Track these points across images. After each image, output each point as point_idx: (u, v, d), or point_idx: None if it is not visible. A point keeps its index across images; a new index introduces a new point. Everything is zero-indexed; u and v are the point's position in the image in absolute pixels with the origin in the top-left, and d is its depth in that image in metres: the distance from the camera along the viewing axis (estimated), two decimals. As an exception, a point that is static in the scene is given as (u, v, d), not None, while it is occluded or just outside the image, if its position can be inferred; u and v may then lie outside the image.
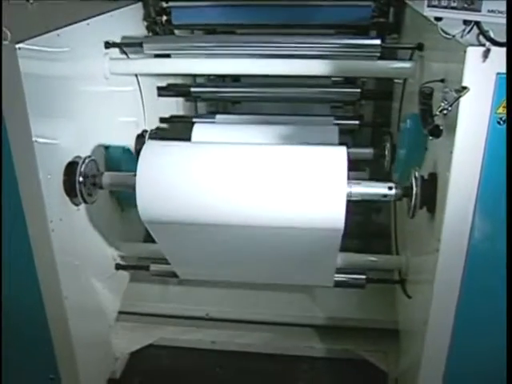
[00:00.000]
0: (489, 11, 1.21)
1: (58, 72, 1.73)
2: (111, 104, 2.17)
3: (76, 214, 1.85)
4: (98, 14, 2.01)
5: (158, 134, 2.54)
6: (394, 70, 2.17)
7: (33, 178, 1.57)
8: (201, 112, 3.11)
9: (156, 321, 2.43)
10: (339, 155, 1.58)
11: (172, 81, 2.77)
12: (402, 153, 1.90)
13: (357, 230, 2.82)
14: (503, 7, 1.19)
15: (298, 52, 2.13)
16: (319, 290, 2.41)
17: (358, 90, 2.60)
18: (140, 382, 2.27)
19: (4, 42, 1.43)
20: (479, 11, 1.22)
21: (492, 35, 1.25)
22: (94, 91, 2.04)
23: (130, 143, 2.36)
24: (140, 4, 2.48)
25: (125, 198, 2.19)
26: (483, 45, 1.26)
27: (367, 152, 2.41)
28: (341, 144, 1.68)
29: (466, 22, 1.28)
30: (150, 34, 2.55)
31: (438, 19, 1.34)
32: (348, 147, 1.61)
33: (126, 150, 2.17)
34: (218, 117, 2.55)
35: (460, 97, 1.29)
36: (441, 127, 1.39)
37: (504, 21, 1.19)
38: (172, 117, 2.81)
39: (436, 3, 1.30)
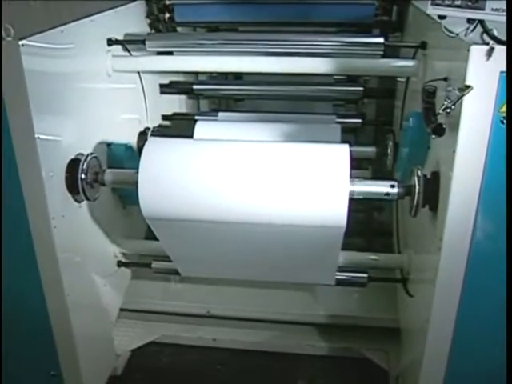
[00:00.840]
0: (493, 10, 1.21)
1: (61, 69, 1.73)
2: (113, 101, 2.17)
3: (78, 211, 1.85)
4: (102, 11, 2.01)
5: (161, 132, 2.54)
6: (396, 69, 2.16)
7: (35, 174, 1.58)
8: (203, 109, 3.11)
9: (157, 318, 2.43)
10: (342, 153, 1.58)
11: (174, 78, 2.77)
12: (405, 151, 1.90)
13: (359, 229, 2.82)
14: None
15: (300, 50, 2.13)
16: (321, 288, 2.42)
17: (361, 89, 2.60)
18: (141, 379, 2.28)
19: (7, 39, 1.43)
20: (483, 9, 1.22)
21: (496, 34, 1.24)
22: (97, 88, 2.04)
23: (133, 140, 2.36)
24: (143, 1, 2.48)
25: (127, 195, 2.19)
26: (487, 43, 1.25)
27: (370, 150, 2.41)
28: (343, 142, 1.68)
29: (469, 21, 1.28)
30: (153, 31, 2.54)
31: (442, 17, 1.34)
32: (350, 145, 1.61)
33: (128, 147, 2.17)
34: (221, 114, 2.55)
35: (463, 95, 1.29)
36: (444, 126, 1.39)
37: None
38: (174, 114, 2.81)
39: (440, 1, 1.29)
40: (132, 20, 2.38)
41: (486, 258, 1.48)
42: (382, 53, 2.10)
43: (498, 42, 1.24)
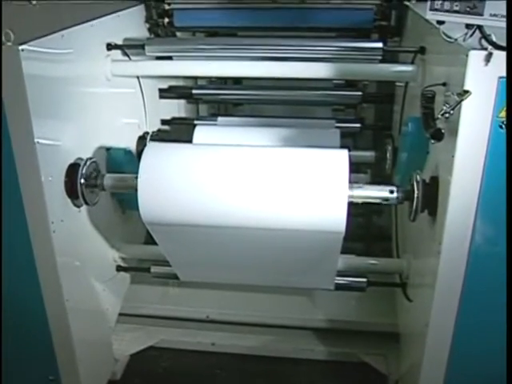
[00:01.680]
0: (491, 15, 1.21)
1: (61, 73, 1.73)
2: (113, 106, 2.17)
3: (77, 216, 1.85)
4: (101, 16, 2.02)
5: (160, 136, 2.55)
6: (395, 74, 2.17)
7: (34, 179, 1.57)
8: (202, 114, 3.11)
9: (156, 323, 2.43)
10: (341, 158, 1.58)
11: (174, 83, 2.77)
12: (404, 156, 1.90)
13: (358, 233, 2.82)
14: (505, 11, 1.19)
15: (299, 55, 2.13)
16: (320, 292, 2.42)
17: (360, 93, 2.60)
18: (140, 384, 2.28)
19: (7, 44, 1.43)
20: (481, 15, 1.23)
21: (494, 39, 1.25)
22: (96, 93, 2.04)
23: (132, 145, 2.36)
24: (142, 6, 2.49)
25: (126, 199, 2.19)
26: (485, 49, 1.26)
27: (369, 155, 2.41)
28: (342, 147, 1.68)
29: (468, 26, 1.28)
30: (152, 35, 2.55)
31: (441, 23, 1.34)
32: (349, 150, 1.62)
33: (127, 151, 2.17)
34: (220, 119, 2.55)
35: (462, 100, 1.29)
36: (443, 131, 1.40)
37: (506, 24, 1.19)
38: (173, 119, 2.81)
39: (438, 7, 1.30)
40: (131, 25, 2.38)
41: (484, 263, 1.48)
42: (380, 58, 2.11)
43: (497, 47, 1.24)
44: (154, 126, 2.63)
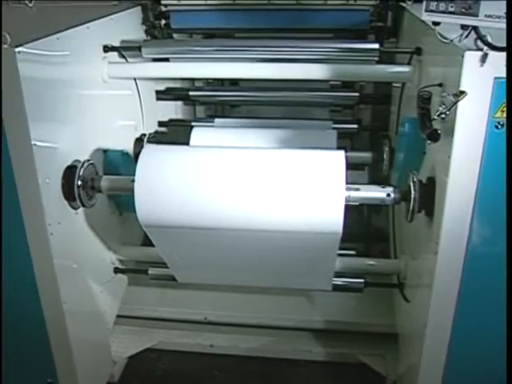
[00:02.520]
0: (486, 16, 1.22)
1: (57, 76, 1.73)
2: (110, 108, 2.17)
3: (74, 218, 1.85)
4: (98, 18, 2.02)
5: (157, 138, 2.54)
6: (392, 74, 2.17)
7: (31, 181, 1.57)
8: (199, 116, 3.11)
9: (154, 324, 2.43)
10: (338, 159, 1.58)
11: (170, 84, 2.77)
12: (401, 157, 1.91)
13: (355, 234, 2.82)
14: (500, 12, 1.19)
15: (296, 56, 2.14)
16: (318, 293, 2.42)
17: (357, 94, 2.60)
18: (138, 386, 2.28)
19: (4, 46, 1.43)
20: (477, 16, 1.23)
21: (489, 40, 1.25)
22: (93, 95, 2.04)
23: (129, 147, 2.36)
24: (139, 8, 2.49)
25: (123, 201, 2.19)
26: (481, 49, 1.26)
27: (365, 156, 2.42)
28: (339, 148, 1.68)
29: (463, 27, 1.29)
30: (149, 37, 2.55)
31: (436, 24, 1.35)
32: (346, 151, 1.62)
33: (124, 153, 2.17)
34: (217, 120, 2.55)
35: (458, 101, 1.29)
36: (439, 131, 1.40)
37: (502, 25, 1.20)
38: (170, 120, 2.81)
39: (434, 8, 1.30)
40: (128, 27, 2.38)
41: (482, 263, 1.49)
42: (377, 59, 2.11)
43: (492, 47, 1.25)
44: (151, 127, 2.64)
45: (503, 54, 1.24)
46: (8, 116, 1.49)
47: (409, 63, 2.07)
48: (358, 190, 1.64)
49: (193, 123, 2.58)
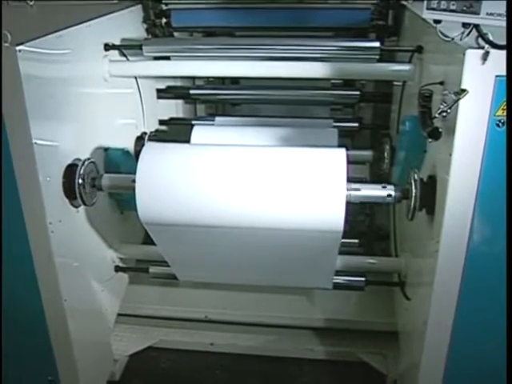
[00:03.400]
0: (487, 14, 1.21)
1: (58, 74, 1.73)
2: (111, 106, 2.17)
3: (75, 216, 1.85)
4: (98, 16, 2.02)
5: (157, 136, 2.54)
6: (393, 73, 2.17)
7: (32, 179, 1.58)
8: (200, 114, 3.11)
9: (155, 323, 2.43)
10: (339, 157, 1.58)
11: (171, 83, 2.78)
12: (401, 155, 1.90)
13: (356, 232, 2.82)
14: (502, 10, 1.19)
15: (297, 54, 2.13)
16: (318, 292, 2.42)
17: (358, 93, 2.60)
18: (139, 384, 2.28)
19: (4, 45, 1.43)
20: (478, 14, 1.23)
21: (491, 38, 1.25)
22: (94, 93, 2.04)
23: (130, 145, 2.36)
24: (140, 6, 2.49)
25: (124, 199, 2.19)
26: (482, 47, 1.26)
27: (366, 154, 2.41)
28: (340, 146, 1.68)
29: (464, 25, 1.28)
30: (150, 36, 2.55)
31: (437, 22, 1.34)
32: (347, 149, 1.62)
33: (125, 152, 2.17)
34: (218, 119, 2.55)
35: (459, 99, 1.29)
36: (440, 129, 1.40)
37: (503, 23, 1.20)
38: (171, 119, 2.81)
39: (435, 6, 1.30)
40: (129, 25, 2.38)
41: (482, 261, 1.49)
42: (378, 57, 2.11)
43: (493, 46, 1.25)
44: (151, 126, 2.64)
45: (504, 52, 1.24)
46: (9, 114, 1.50)
47: (410, 61, 2.06)
48: (358, 188, 1.64)
49: (193, 122, 2.57)
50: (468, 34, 1.29)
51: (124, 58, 2.23)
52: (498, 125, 1.32)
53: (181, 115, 2.99)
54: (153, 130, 2.62)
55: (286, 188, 1.56)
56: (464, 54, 1.27)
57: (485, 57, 1.26)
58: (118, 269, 2.25)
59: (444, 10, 1.28)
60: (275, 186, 1.56)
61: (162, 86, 2.73)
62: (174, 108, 2.93)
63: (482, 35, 1.26)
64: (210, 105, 3.15)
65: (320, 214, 1.54)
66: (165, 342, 2.38)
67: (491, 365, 1.61)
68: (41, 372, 1.89)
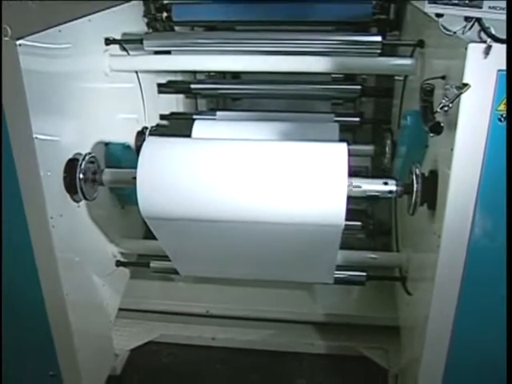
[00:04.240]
0: (490, 8, 1.21)
1: (59, 68, 1.72)
2: (111, 101, 2.17)
3: (76, 211, 1.85)
4: (99, 11, 2.01)
5: (158, 131, 2.54)
6: (394, 67, 2.16)
7: (33, 174, 1.57)
8: (201, 109, 3.10)
9: (156, 317, 2.44)
10: (340, 151, 1.58)
11: (172, 77, 2.77)
12: (403, 150, 1.90)
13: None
14: (504, 4, 1.19)
15: (298, 49, 2.13)
16: (319, 286, 2.42)
17: (359, 87, 2.60)
18: (140, 379, 2.28)
19: (4, 39, 1.42)
20: (480, 8, 1.22)
21: (493, 32, 1.25)
22: (95, 88, 2.04)
23: (131, 140, 2.36)
24: (140, 1, 2.48)
25: (125, 194, 2.19)
26: (484, 41, 1.25)
27: (368, 149, 2.41)
28: (341, 141, 1.68)
29: (467, 19, 1.28)
30: (151, 30, 2.54)
31: (439, 16, 1.34)
32: (348, 144, 1.61)
33: (126, 146, 2.17)
34: (219, 113, 2.55)
35: (461, 94, 1.29)
36: (442, 124, 1.39)
37: (505, 17, 1.19)
38: (172, 114, 2.80)
39: (437, -1, 1.30)
40: (129, 19, 2.37)
41: (484, 256, 1.49)
42: (379, 51, 2.10)
43: (496, 40, 1.24)
44: (152, 120, 2.63)
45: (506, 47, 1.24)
46: (9, 109, 1.49)
47: (411, 56, 2.06)
48: (360, 182, 1.63)
49: (194, 116, 2.57)
50: (470, 28, 1.28)
51: (125, 53, 2.23)
52: (499, 119, 1.31)
53: (182, 110, 2.98)
54: (154, 124, 2.61)
55: (287, 182, 1.55)
56: (466, 48, 1.26)
57: (487, 51, 1.25)
58: (119, 263, 2.26)
59: (446, 4, 1.28)
60: (276, 180, 1.56)
61: (163, 80, 2.73)
62: (174, 102, 2.93)
63: (484, 29, 1.25)
64: (211, 99, 3.14)
65: (321, 208, 1.54)
66: (166, 336, 2.38)
67: (492, 359, 1.61)
68: (42, 366, 1.90)
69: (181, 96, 2.97)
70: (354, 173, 1.60)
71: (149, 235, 1.90)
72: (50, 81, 1.65)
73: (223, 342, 2.35)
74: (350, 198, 1.55)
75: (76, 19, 1.82)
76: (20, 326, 1.82)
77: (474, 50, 1.26)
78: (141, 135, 2.41)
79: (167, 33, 2.55)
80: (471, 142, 1.35)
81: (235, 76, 2.94)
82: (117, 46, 2.19)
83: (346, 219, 1.54)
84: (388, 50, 2.18)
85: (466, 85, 1.28)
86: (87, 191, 1.78)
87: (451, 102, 1.32)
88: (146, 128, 2.46)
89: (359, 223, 2.31)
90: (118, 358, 2.28)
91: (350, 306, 2.38)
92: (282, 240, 1.71)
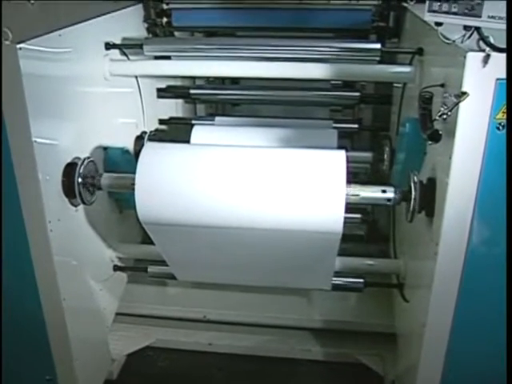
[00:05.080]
0: (489, 17, 1.22)
1: (59, 72, 1.73)
2: (111, 105, 2.17)
3: (74, 215, 1.85)
4: (100, 15, 2.02)
5: (157, 136, 2.54)
6: (393, 75, 2.17)
7: (32, 178, 1.57)
8: (200, 114, 3.11)
9: (153, 323, 2.43)
10: (339, 159, 1.58)
11: (172, 82, 2.77)
12: (401, 157, 1.90)
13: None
14: (503, 13, 1.19)
15: (297, 55, 2.13)
16: (317, 293, 2.42)
17: (358, 94, 2.60)
18: (137, 384, 2.28)
19: (5, 42, 1.43)
20: (479, 17, 1.23)
21: (492, 41, 1.25)
22: (94, 92, 2.04)
23: (129, 144, 2.36)
24: (141, 5, 2.49)
25: (123, 199, 2.19)
26: (483, 50, 1.26)
27: (366, 156, 2.41)
28: (340, 148, 1.68)
29: (466, 28, 1.28)
30: (151, 35, 2.55)
31: (439, 24, 1.34)
32: (347, 151, 1.62)
33: (124, 151, 2.17)
34: (218, 119, 2.55)
35: (459, 102, 1.29)
36: (440, 132, 1.40)
37: (504, 26, 1.20)
38: (171, 118, 2.81)
39: (436, 8, 1.30)
40: (130, 24, 2.38)
41: (481, 264, 1.49)
42: (378, 59, 2.10)
43: (495, 49, 1.25)
44: (151, 125, 2.63)
45: (505, 56, 1.24)
46: (9, 112, 1.49)
47: (410, 63, 2.06)
48: (358, 190, 1.64)
49: (193, 121, 2.57)
50: (469, 37, 1.29)
51: (125, 57, 2.23)
52: (498, 128, 1.32)
53: (181, 115, 2.98)
54: (153, 129, 2.61)
55: (285, 189, 1.56)
56: (465, 57, 1.27)
57: (486, 60, 1.26)
58: (116, 268, 2.25)
59: (445, 13, 1.28)
60: (275, 187, 1.56)
61: (163, 85, 2.73)
62: (174, 107, 2.93)
63: (483, 38, 1.26)
64: (210, 105, 3.15)
65: (320, 215, 1.54)
66: (163, 341, 2.38)
67: (490, 367, 1.61)
68: (38, 371, 1.89)
69: (180, 101, 2.97)
70: (353, 175, 1.60)
71: (146, 240, 1.90)
72: (49, 85, 1.65)
73: (220, 348, 2.35)
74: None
75: (76, 23, 1.83)
76: (17, 329, 1.82)
77: (473, 59, 1.27)
78: (140, 140, 2.41)
79: (167, 38, 2.56)
80: (469, 150, 1.35)
81: (234, 82, 2.95)
82: (117, 51, 2.19)
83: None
84: (387, 58, 2.19)
85: (464, 93, 1.29)
86: (85, 195, 1.78)
87: (450, 110, 1.33)
88: (145, 133, 2.46)
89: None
90: (114, 362, 2.27)
91: (348, 313, 2.37)
92: (280, 247, 1.71)
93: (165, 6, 2.51)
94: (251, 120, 2.53)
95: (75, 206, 1.82)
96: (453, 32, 1.35)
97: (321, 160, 1.61)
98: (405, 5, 2.28)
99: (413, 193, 1.59)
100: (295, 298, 2.41)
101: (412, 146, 1.80)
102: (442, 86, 1.49)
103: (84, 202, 1.79)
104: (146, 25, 2.54)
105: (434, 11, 1.30)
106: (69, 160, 1.76)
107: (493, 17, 1.20)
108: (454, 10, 1.26)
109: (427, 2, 1.32)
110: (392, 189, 1.67)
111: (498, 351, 1.51)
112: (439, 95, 1.46)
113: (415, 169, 1.69)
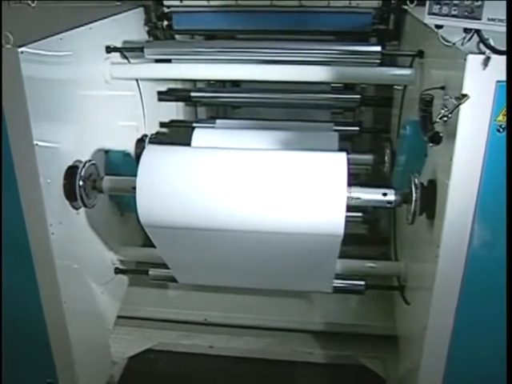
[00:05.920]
0: (489, 19, 1.22)
1: (60, 76, 1.73)
2: (112, 108, 2.17)
3: (76, 218, 1.85)
4: (100, 19, 2.02)
5: (158, 139, 2.54)
6: (394, 77, 2.17)
7: (33, 181, 1.58)
8: (201, 117, 3.11)
9: (154, 325, 2.43)
10: (339, 161, 1.58)
11: (172, 85, 2.78)
12: (402, 159, 1.91)
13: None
14: (503, 16, 1.19)
15: (298, 58, 2.14)
16: (318, 295, 2.42)
17: (358, 97, 2.61)
18: (138, 387, 2.28)
19: (6, 46, 1.43)
20: (480, 19, 1.23)
21: (492, 43, 1.25)
22: (95, 95, 2.04)
23: (130, 147, 2.36)
24: (141, 9, 2.49)
25: (124, 202, 2.19)
26: (483, 53, 1.26)
27: (367, 158, 2.41)
28: (340, 150, 1.68)
29: (466, 30, 1.29)
30: (151, 38, 2.55)
31: (439, 27, 1.35)
32: (348, 153, 1.62)
33: (126, 154, 2.17)
34: (218, 122, 2.55)
35: (460, 104, 1.29)
36: (441, 134, 1.40)
37: (504, 29, 1.20)
38: (172, 121, 2.81)
39: (437, 11, 1.30)
40: (130, 27, 2.39)
41: (482, 266, 1.49)
42: (379, 61, 2.11)
43: (495, 51, 1.25)
44: (152, 128, 2.64)
45: (505, 58, 1.24)
46: (10, 116, 1.50)
47: (411, 66, 2.06)
48: (359, 192, 1.64)
49: (194, 124, 2.58)
50: (469, 40, 1.29)
51: (125, 61, 2.24)
52: (498, 130, 1.32)
53: (182, 117, 2.98)
54: (153, 132, 2.62)
55: (286, 192, 1.56)
56: (465, 59, 1.27)
57: (486, 62, 1.26)
58: (117, 271, 2.25)
59: (446, 15, 1.29)
60: (276, 190, 1.56)
61: (163, 88, 2.74)
62: (174, 110, 2.93)
63: (483, 40, 1.26)
64: (211, 107, 3.15)
65: (320, 217, 1.54)
66: (164, 344, 2.38)
67: (491, 370, 1.61)
68: (39, 374, 1.89)
69: (181, 104, 2.97)
70: (354, 177, 1.60)
71: (148, 243, 1.90)
72: (50, 88, 1.66)
73: (221, 351, 2.35)
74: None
75: (77, 27, 1.83)
76: (18, 332, 1.82)
77: (473, 61, 1.27)
78: (141, 143, 2.42)
79: (168, 41, 2.56)
80: (470, 152, 1.35)
81: (235, 84, 2.95)
82: (117, 54, 2.19)
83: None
84: (387, 60, 2.19)
85: (464, 95, 1.29)
86: (87, 198, 1.79)
87: (450, 113, 1.33)
88: (146, 136, 2.46)
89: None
90: (115, 365, 2.27)
91: (349, 315, 2.37)
92: (281, 249, 1.71)
93: (165, 10, 2.52)
94: (252, 123, 2.54)
95: (76, 208, 1.82)
96: (453, 34, 1.35)
97: (322, 162, 1.61)
98: (405, 7, 2.28)
99: (414, 195, 1.59)
100: (296, 301, 2.41)
101: (413, 148, 1.80)
102: (443, 88, 1.49)
103: (85, 205, 1.80)
104: (146, 28, 2.54)
105: (435, 14, 1.31)
106: (70, 163, 1.77)
107: (493, 19, 1.20)
108: (454, 12, 1.27)
109: (427, 5, 1.32)
110: (393, 191, 1.67)
111: (500, 353, 1.50)
112: (440, 97, 1.47)
113: (416, 171, 1.69)
